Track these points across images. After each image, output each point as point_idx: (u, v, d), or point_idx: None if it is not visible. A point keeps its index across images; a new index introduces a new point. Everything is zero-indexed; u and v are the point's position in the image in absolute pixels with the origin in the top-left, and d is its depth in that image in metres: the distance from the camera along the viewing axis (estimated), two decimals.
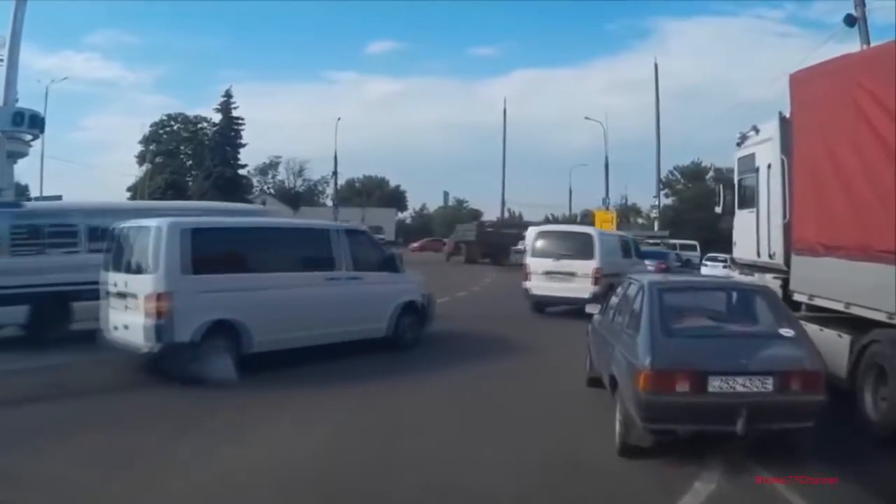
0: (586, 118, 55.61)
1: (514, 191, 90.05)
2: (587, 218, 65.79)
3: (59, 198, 46.12)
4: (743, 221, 10.05)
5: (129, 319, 8.49)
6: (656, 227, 53.41)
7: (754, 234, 9.44)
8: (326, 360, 9.26)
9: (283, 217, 10.73)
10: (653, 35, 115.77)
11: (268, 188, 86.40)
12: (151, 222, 8.91)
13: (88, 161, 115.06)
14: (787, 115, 8.85)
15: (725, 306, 6.59)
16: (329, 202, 73.44)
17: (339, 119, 62.09)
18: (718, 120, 70.11)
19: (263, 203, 67.74)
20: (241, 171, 54.09)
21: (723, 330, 5.83)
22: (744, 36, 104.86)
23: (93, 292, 9.64)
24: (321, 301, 9.60)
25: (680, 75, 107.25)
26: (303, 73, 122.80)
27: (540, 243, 16.25)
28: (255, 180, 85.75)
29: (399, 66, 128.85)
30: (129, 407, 7.25)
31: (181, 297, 8.19)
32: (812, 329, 6.89)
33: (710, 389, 5.05)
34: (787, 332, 5.50)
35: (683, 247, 45.72)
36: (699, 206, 62.46)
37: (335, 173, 65.21)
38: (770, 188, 8.98)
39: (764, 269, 9.30)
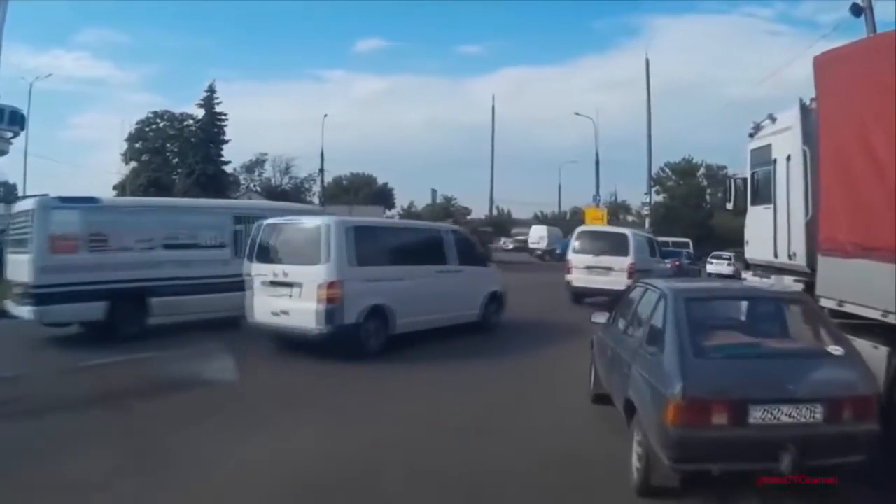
0: (577, 114, 54.77)
1: (503, 188, 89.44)
2: (577, 216, 65.36)
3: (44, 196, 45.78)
4: (757, 218, 9.29)
5: (293, 306, 9.67)
6: (647, 225, 52.82)
7: (771, 232, 8.66)
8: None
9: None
10: (642, 33, 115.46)
11: (254, 185, 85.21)
12: (314, 220, 10.54)
13: (78, 159, 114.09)
14: (808, 102, 8.13)
15: (760, 318, 5.76)
16: (316, 199, 72.48)
17: (325, 116, 60.97)
18: (709, 118, 69.93)
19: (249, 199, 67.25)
20: (225, 168, 52.85)
21: (762, 348, 4.95)
22: (734, 34, 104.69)
23: (168, 288, 11.13)
24: (438, 290, 11.28)
25: (669, 73, 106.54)
26: (291, 72, 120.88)
27: (581, 242, 18.29)
28: (241, 178, 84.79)
29: (387, 65, 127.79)
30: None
31: (349, 285, 9.60)
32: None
33: (752, 421, 4.26)
34: (835, 349, 4.74)
35: (676, 244, 45.15)
36: (691, 203, 62.25)
37: (322, 170, 64.16)
38: (790, 182, 8.20)
39: (782, 270, 8.55)
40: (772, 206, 8.68)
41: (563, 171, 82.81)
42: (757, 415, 4.26)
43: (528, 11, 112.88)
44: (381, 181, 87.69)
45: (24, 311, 10.64)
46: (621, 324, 6.35)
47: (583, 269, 17.68)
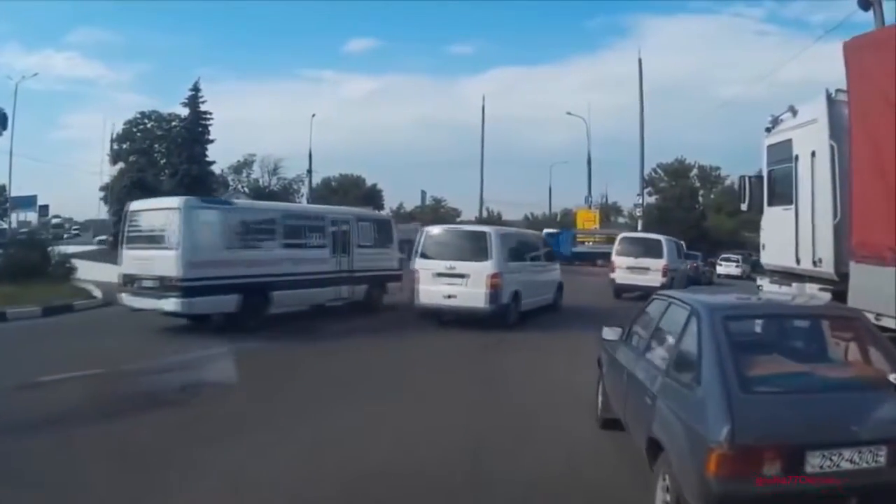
0: (568, 113, 54.14)
1: (493, 189, 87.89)
2: (568, 217, 64.69)
3: (33, 198, 44.78)
4: (775, 220, 8.55)
5: (462, 291, 13.05)
6: (639, 227, 52.17)
7: (791, 235, 7.92)
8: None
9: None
10: (632, 33, 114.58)
11: (242, 186, 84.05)
12: (477, 228, 15.91)
13: (68, 160, 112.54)
14: (833, 94, 7.40)
15: (805, 338, 4.94)
16: (304, 201, 71.48)
17: (313, 115, 60.32)
18: (699, 119, 69.46)
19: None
20: (211, 169, 51.72)
21: (816, 378, 4.16)
22: (723, 34, 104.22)
23: (285, 283, 12.90)
24: (538, 280, 15.31)
25: (659, 73, 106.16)
26: (280, 72, 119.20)
27: (622, 246, 21.73)
28: (229, 178, 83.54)
29: (376, 65, 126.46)
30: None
31: (503, 276, 13.10)
32: None
33: (808, 470, 3.49)
34: None
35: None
36: (683, 204, 61.65)
37: (310, 171, 63.35)
38: (815, 180, 7.47)
39: (805, 277, 7.81)
40: (793, 206, 7.94)
41: (554, 172, 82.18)
42: (815, 462, 3.50)
43: (519, 11, 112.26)
44: (370, 182, 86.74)
45: (168, 304, 11.36)
46: (638, 342, 5.47)
47: (625, 268, 20.97)
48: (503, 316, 13.21)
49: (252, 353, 10.05)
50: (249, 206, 16.00)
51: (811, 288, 7.59)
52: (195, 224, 11.65)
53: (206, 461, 5.38)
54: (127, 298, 12.26)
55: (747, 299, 5.41)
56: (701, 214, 62.49)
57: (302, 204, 25.47)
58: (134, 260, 12.21)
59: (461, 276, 13.04)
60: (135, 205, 13.23)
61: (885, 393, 3.85)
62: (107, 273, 19.83)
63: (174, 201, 12.30)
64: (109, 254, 30.27)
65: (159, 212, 12.26)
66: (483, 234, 13.69)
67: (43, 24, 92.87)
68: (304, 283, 13.44)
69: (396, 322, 13.85)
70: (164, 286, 11.33)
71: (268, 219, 13.42)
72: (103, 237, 46.08)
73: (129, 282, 12.19)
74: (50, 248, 21.10)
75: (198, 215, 11.83)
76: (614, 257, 21.56)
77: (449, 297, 13.09)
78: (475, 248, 13.20)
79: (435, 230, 14.47)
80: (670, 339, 4.73)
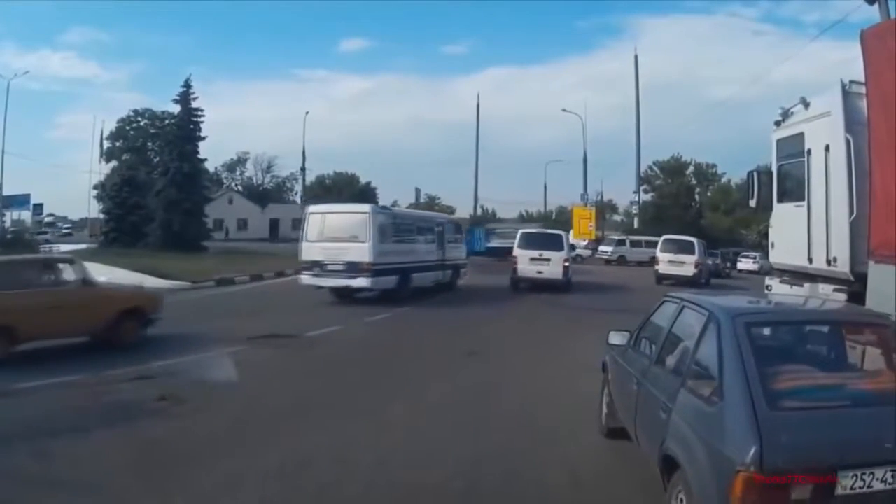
0: (564, 110, 53.89)
1: (488, 187, 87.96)
2: (563, 215, 64.31)
3: (27, 196, 44.24)
4: (786, 218, 8.19)
5: (546, 269, 20.36)
6: (636, 224, 51.88)
7: (804, 233, 7.56)
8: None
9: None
10: (626, 32, 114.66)
11: (235, 185, 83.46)
12: (556, 230, 23.93)
13: (62, 159, 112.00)
14: (848, 85, 7.05)
15: (831, 345, 4.54)
16: (298, 199, 71.00)
17: (307, 113, 60.09)
18: (693, 117, 69.21)
19: (230, 200, 65.78)
20: (203, 166, 51.13)
21: (845, 391, 3.82)
22: (718, 34, 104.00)
23: (418, 268, 18.14)
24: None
25: (653, 72, 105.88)
26: (274, 71, 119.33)
27: (664, 245, 27.63)
28: (223, 176, 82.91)
29: (370, 64, 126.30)
30: None
31: (568, 260, 21.12)
32: None
33: (839, 492, 3.16)
34: None
35: None
36: (680, 202, 61.35)
37: (303, 169, 62.89)
38: (829, 175, 7.12)
39: (818, 277, 7.47)
40: (805, 203, 7.59)
41: (549, 170, 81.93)
42: (846, 483, 3.18)
43: (512, 11, 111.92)
44: (364, 180, 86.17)
45: (358, 282, 15.87)
46: (647, 348, 5.09)
47: (666, 262, 26.80)
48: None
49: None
50: (401, 212, 22.93)
51: (825, 289, 7.24)
52: (377, 224, 16.11)
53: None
54: (309, 279, 16.44)
55: (771, 304, 5.00)
56: (697, 212, 62.19)
57: (423, 211, 31.96)
58: (320, 250, 16.13)
59: (545, 260, 20.36)
60: (315, 208, 17.57)
61: None
62: (100, 272, 19.29)
63: (364, 207, 17.57)
64: (100, 252, 29.93)
65: (348, 214, 17.05)
66: (560, 233, 22.28)
67: (39, 24, 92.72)
68: (427, 268, 18.98)
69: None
70: (355, 269, 15.66)
71: (410, 221, 19.39)
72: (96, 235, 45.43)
73: (313, 266, 16.25)
74: (44, 248, 20.60)
75: (378, 218, 16.48)
76: (658, 253, 27.32)
77: (538, 273, 20.43)
78: (558, 242, 21.17)
79: (528, 230, 23.52)
80: (686, 347, 4.34)
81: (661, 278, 25.88)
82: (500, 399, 7.52)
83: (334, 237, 16.02)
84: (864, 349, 4.37)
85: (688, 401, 3.89)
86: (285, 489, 4.79)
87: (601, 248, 45.98)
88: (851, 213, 6.71)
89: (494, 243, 37.70)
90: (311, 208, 17.44)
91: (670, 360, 4.50)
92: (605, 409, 6.09)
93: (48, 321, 8.60)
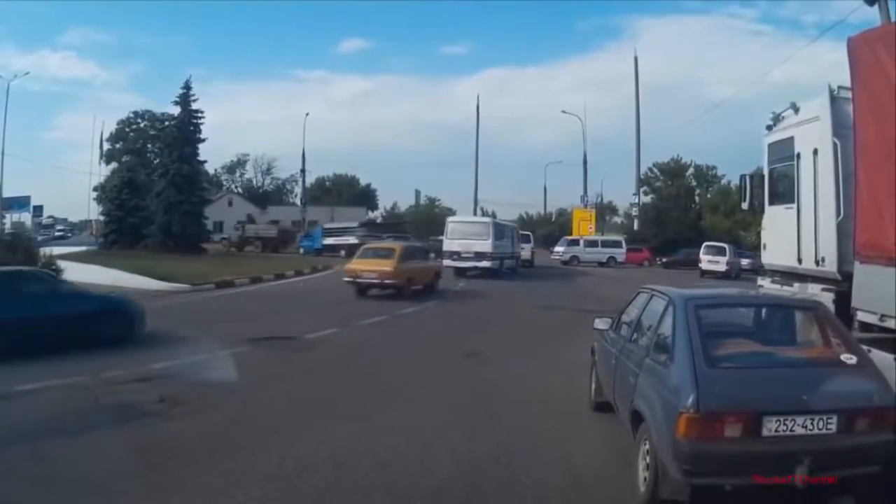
0: (564, 112, 54.10)
1: (488, 189, 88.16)
2: (563, 217, 64.47)
3: (27, 198, 44.35)
4: (777, 220, 8.32)
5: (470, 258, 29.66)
6: (636, 226, 52.00)
7: (793, 234, 7.70)
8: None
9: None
10: (625, 34, 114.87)
11: (235, 187, 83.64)
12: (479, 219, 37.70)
13: (62, 160, 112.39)
14: (836, 90, 7.17)
15: (772, 326, 5.62)
16: (298, 201, 71.13)
17: (307, 115, 60.12)
18: (693, 119, 69.32)
19: (230, 202, 65.97)
20: (203, 168, 51.14)
21: (775, 357, 4.75)
22: (716, 34, 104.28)
23: (506, 256, 29.34)
24: None
25: (653, 73, 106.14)
26: (272, 72, 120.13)
27: (705, 249, 35.93)
28: (222, 178, 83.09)
29: (369, 65, 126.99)
30: None
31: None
32: (884, 358, 5.24)
33: (765, 433, 4.07)
34: (848, 358, 4.51)
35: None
36: (680, 204, 61.40)
37: (303, 171, 62.99)
38: (817, 178, 7.25)
39: (807, 278, 7.59)
40: (795, 205, 7.73)
41: (549, 171, 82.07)
42: (771, 427, 4.07)
43: (511, 12, 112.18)
44: (363, 182, 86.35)
45: (484, 263, 26.32)
46: (625, 331, 6.02)
47: (706, 261, 34.75)
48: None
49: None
50: (498, 221, 33.74)
51: (813, 288, 7.36)
52: (493, 229, 27.64)
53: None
54: (450, 263, 26.29)
55: (719, 292, 6.49)
56: (697, 214, 62.29)
57: (503, 220, 39.10)
58: (456, 244, 26.84)
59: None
60: (453, 219, 30.56)
61: (837, 370, 4.41)
62: (98, 275, 19.43)
63: (486, 218, 36.11)
64: (99, 254, 29.97)
65: (476, 223, 29.31)
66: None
67: (38, 25, 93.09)
68: (509, 257, 29.68)
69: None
70: (481, 256, 26.36)
71: (501, 228, 29.99)
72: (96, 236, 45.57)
73: (452, 255, 26.78)
74: (42, 250, 20.44)
75: (494, 225, 28.49)
76: (702, 255, 35.41)
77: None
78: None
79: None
80: (651, 326, 5.31)
81: (703, 273, 33.84)
82: (501, 399, 7.73)
83: (465, 235, 26.88)
84: (799, 327, 5.30)
85: (650, 366, 4.86)
86: (283, 491, 4.87)
87: (555, 248, 44.81)
88: (838, 214, 6.83)
89: (329, 241, 43.04)
90: (451, 219, 30.41)
91: (639, 338, 5.54)
92: (593, 387, 7.04)
93: None
